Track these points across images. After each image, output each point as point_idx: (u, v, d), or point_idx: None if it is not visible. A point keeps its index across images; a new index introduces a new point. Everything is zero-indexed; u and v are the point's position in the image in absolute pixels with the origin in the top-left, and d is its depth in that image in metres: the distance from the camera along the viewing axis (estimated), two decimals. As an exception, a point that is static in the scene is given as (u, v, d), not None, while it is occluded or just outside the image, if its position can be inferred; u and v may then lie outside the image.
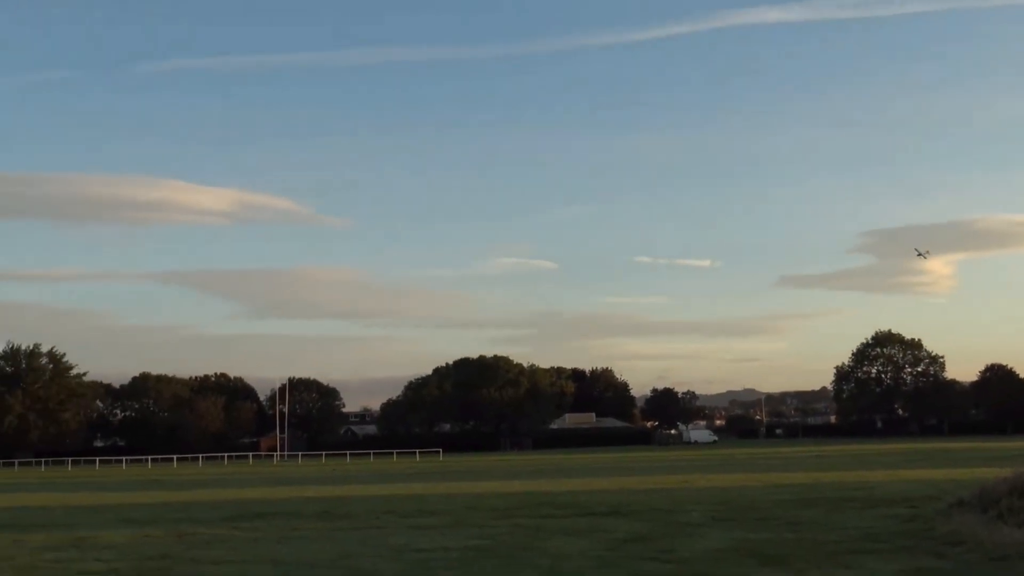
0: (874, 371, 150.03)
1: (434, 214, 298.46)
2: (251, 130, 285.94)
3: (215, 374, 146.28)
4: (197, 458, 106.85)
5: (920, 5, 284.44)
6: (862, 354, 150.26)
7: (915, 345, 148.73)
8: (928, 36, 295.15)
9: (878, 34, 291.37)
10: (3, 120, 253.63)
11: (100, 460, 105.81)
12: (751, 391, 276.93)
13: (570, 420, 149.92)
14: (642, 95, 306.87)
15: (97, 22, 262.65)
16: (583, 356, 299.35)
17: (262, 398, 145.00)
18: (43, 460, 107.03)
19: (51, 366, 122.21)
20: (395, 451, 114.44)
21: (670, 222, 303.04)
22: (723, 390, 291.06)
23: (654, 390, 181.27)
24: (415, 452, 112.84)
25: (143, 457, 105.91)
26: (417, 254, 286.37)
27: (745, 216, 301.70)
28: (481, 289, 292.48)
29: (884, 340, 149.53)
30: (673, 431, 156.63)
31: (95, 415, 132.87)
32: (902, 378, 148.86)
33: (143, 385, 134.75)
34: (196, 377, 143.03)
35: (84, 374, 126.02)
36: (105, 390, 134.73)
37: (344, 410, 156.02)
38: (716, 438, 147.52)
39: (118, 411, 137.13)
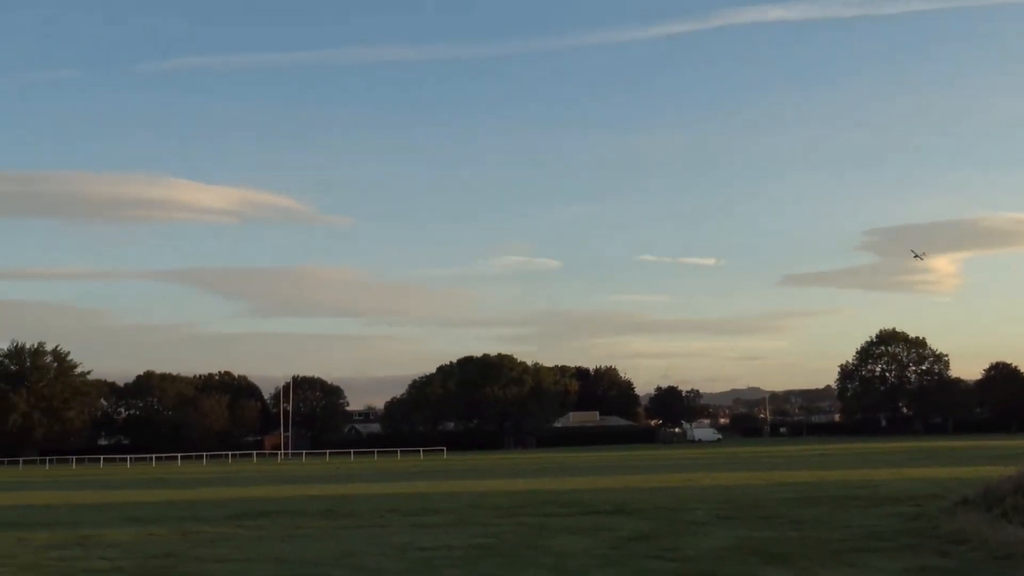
0: (878, 369, 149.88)
1: (437, 213, 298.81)
2: (254, 129, 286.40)
3: (219, 373, 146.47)
4: (201, 456, 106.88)
5: (923, 3, 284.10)
6: (866, 352, 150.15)
7: (919, 343, 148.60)
8: (931, 34, 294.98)
9: (881, 32, 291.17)
10: (6, 119, 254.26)
11: (104, 458, 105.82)
12: (755, 389, 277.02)
13: (574, 419, 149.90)
14: (645, 93, 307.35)
15: (100, 21, 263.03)
16: (587, 354, 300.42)
17: (266, 396, 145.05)
18: (47, 458, 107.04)
19: (55, 365, 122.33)
20: (399, 449, 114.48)
21: (674, 221, 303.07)
22: (727, 388, 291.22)
23: (658, 388, 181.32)
24: (419, 450, 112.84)
25: (147, 455, 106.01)
26: (420, 253, 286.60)
27: (749, 214, 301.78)
28: (485, 287, 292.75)
29: (888, 338, 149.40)
30: (677, 429, 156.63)
31: (99, 413, 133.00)
32: (906, 376, 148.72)
33: (147, 384, 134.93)
34: (200, 375, 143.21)
35: (88, 372, 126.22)
36: (109, 388, 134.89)
37: (348, 408, 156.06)
38: (720, 436, 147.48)
39: (122, 409, 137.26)
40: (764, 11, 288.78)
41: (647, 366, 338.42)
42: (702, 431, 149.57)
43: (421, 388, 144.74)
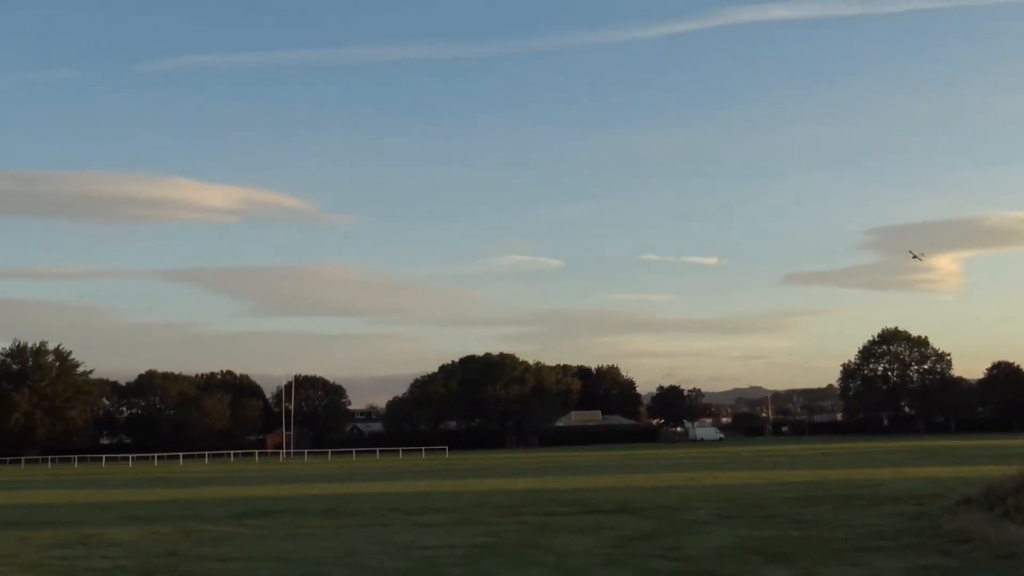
0: (880, 369, 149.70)
1: (439, 212, 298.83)
2: (256, 128, 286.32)
3: (221, 372, 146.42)
4: (203, 455, 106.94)
5: (925, 2, 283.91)
6: (868, 352, 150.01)
7: (922, 343, 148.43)
8: (934, 32, 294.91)
9: (883, 30, 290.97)
10: (8, 118, 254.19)
11: (106, 457, 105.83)
12: (757, 389, 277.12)
13: (576, 418, 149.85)
14: (647, 92, 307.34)
15: (100, 20, 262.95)
16: (589, 354, 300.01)
17: (268, 396, 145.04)
18: (50, 458, 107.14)
19: (57, 364, 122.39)
20: (401, 448, 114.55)
21: (675, 220, 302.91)
22: (729, 388, 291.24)
23: (660, 388, 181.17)
24: (421, 449, 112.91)
25: (149, 455, 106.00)
26: (422, 252, 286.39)
27: (751, 213, 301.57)
28: (487, 287, 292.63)
29: (890, 338, 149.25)
30: (679, 429, 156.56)
31: (101, 413, 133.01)
32: (909, 376, 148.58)
33: (149, 383, 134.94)
34: (202, 375, 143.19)
35: (90, 372, 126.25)
36: (111, 388, 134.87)
37: (350, 408, 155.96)
38: (722, 436, 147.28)
39: (124, 409, 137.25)
40: (765, 10, 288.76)
41: (649, 365, 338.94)
42: (704, 430, 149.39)
43: (423, 387, 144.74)
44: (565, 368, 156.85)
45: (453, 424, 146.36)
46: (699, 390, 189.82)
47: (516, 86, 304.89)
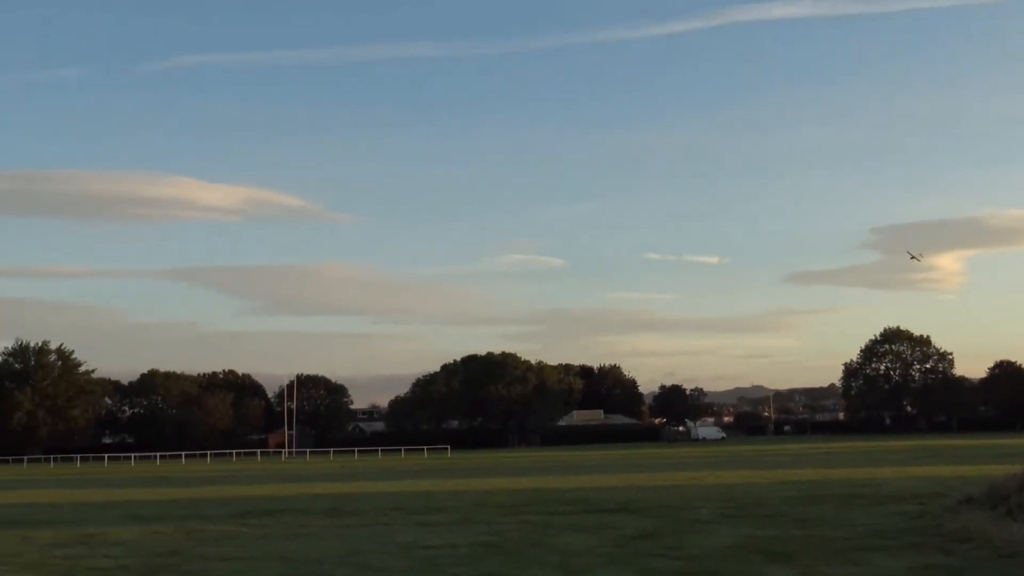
0: (883, 368, 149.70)
1: (442, 211, 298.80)
2: (257, 127, 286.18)
3: (223, 371, 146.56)
4: (205, 455, 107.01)
5: (926, 2, 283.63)
6: (871, 351, 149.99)
7: (924, 342, 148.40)
8: (934, 32, 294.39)
9: (884, 30, 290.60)
10: (7, 118, 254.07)
11: (109, 457, 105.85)
12: (759, 388, 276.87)
13: (578, 417, 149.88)
14: (651, 91, 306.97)
15: (100, 20, 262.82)
16: (591, 353, 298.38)
17: (270, 395, 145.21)
18: (52, 457, 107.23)
19: (60, 363, 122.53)
20: (403, 448, 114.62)
21: (678, 219, 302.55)
22: (731, 387, 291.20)
23: (662, 387, 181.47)
24: (423, 449, 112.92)
25: (151, 454, 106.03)
26: (425, 251, 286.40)
27: (753, 212, 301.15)
28: (489, 286, 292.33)
29: (893, 337, 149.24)
30: (681, 428, 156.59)
31: (104, 412, 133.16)
32: (911, 375, 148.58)
33: (151, 382, 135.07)
34: (204, 374, 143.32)
35: (93, 371, 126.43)
36: (114, 387, 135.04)
37: (352, 407, 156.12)
38: (724, 435, 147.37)
39: (127, 408, 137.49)
40: (765, 9, 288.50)
41: (651, 364, 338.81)
42: (706, 429, 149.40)
43: (425, 386, 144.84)
44: (567, 367, 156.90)
45: (455, 423, 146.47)
46: (701, 389, 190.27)
47: (516, 86, 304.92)
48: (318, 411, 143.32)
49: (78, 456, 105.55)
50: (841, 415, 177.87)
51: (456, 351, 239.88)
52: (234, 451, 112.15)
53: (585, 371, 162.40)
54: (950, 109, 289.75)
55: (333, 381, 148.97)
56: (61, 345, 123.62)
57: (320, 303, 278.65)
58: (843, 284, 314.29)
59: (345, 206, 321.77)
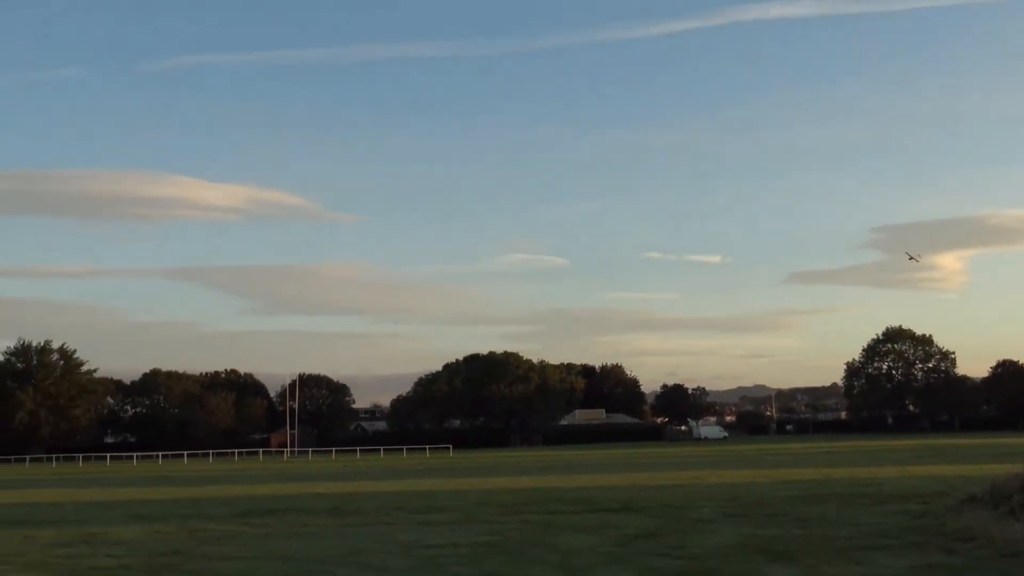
0: (885, 367, 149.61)
1: (444, 210, 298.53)
2: (258, 127, 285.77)
3: (225, 370, 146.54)
4: (207, 454, 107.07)
5: (926, 1, 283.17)
6: (873, 350, 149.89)
7: (926, 341, 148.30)
8: (934, 32, 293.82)
9: (884, 30, 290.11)
10: (8, 118, 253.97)
11: (111, 456, 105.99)
12: (761, 387, 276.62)
13: (580, 416, 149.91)
14: (650, 91, 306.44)
15: (100, 19, 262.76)
16: (593, 352, 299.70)
17: (272, 394, 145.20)
18: (54, 456, 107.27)
19: (62, 363, 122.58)
20: (405, 447, 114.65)
21: (679, 218, 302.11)
22: (733, 386, 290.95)
23: (664, 386, 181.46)
24: (425, 448, 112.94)
25: (154, 453, 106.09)
26: (427, 250, 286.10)
27: (755, 212, 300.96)
28: (491, 285, 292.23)
29: (895, 336, 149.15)
30: (683, 427, 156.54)
31: (106, 411, 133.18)
32: (913, 374, 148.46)
33: (153, 381, 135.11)
34: (206, 373, 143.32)
35: (95, 370, 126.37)
36: (116, 386, 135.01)
37: (354, 406, 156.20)
38: (726, 434, 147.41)
39: (129, 407, 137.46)
40: (765, 9, 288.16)
41: (653, 364, 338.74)
42: (708, 429, 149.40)
43: (427, 386, 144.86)
44: (569, 367, 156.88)
45: (457, 423, 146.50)
46: (703, 389, 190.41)
47: (516, 86, 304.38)
48: (320, 410, 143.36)
49: (80, 455, 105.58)
50: (843, 414, 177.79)
51: (457, 351, 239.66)
52: (236, 451, 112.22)
53: (587, 370, 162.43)
54: (950, 109, 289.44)
55: (335, 380, 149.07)
56: (63, 344, 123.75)
57: (321, 303, 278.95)
58: (844, 284, 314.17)
59: (345, 206, 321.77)
